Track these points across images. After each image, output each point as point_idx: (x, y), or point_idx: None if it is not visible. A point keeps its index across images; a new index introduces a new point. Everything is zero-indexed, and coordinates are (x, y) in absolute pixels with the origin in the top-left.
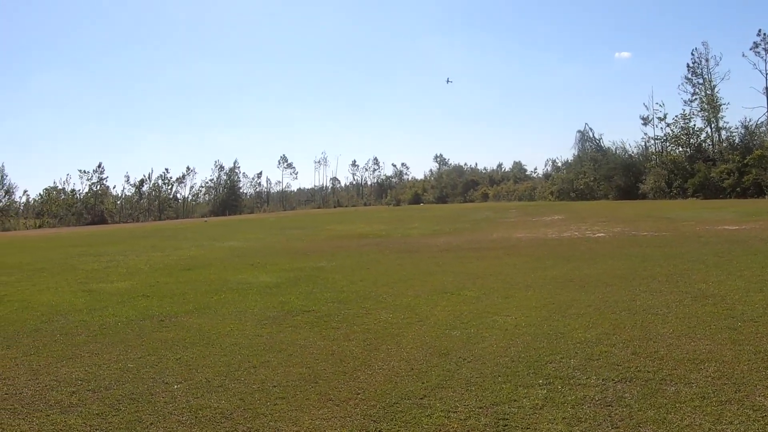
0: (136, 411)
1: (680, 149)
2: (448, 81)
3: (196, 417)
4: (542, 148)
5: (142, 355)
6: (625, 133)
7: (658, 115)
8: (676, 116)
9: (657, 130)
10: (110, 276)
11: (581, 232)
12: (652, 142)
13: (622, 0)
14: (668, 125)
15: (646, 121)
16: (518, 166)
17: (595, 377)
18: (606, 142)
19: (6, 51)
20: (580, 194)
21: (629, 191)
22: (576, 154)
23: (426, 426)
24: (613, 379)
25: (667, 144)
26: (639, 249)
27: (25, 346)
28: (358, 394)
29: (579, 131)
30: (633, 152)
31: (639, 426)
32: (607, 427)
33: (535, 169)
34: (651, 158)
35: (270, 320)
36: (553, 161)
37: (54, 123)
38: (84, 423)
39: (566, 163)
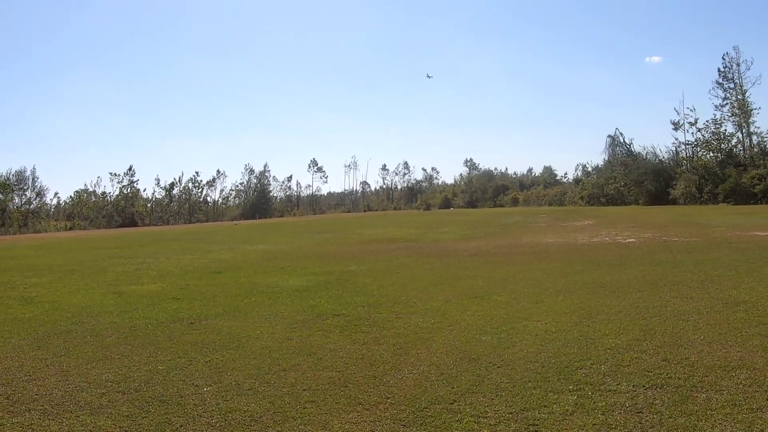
0: (166, 413)
1: (711, 154)
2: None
3: (225, 420)
4: (572, 152)
5: (172, 357)
6: (655, 138)
7: (688, 120)
8: (707, 121)
9: (688, 135)
10: (140, 278)
11: (611, 237)
12: (683, 147)
13: (653, 4)
14: (699, 130)
15: (676, 125)
16: (548, 171)
17: (625, 383)
18: (636, 147)
19: (39, 54)
20: (610, 199)
21: (660, 196)
22: (606, 158)
23: (455, 431)
24: (643, 386)
25: (698, 149)
26: (670, 255)
27: (55, 347)
28: (388, 398)
29: (609, 136)
30: (663, 157)
31: None
32: None
33: (566, 173)
34: (682, 163)
35: (300, 324)
36: (584, 166)
37: (85, 126)
38: (114, 424)
39: (596, 168)
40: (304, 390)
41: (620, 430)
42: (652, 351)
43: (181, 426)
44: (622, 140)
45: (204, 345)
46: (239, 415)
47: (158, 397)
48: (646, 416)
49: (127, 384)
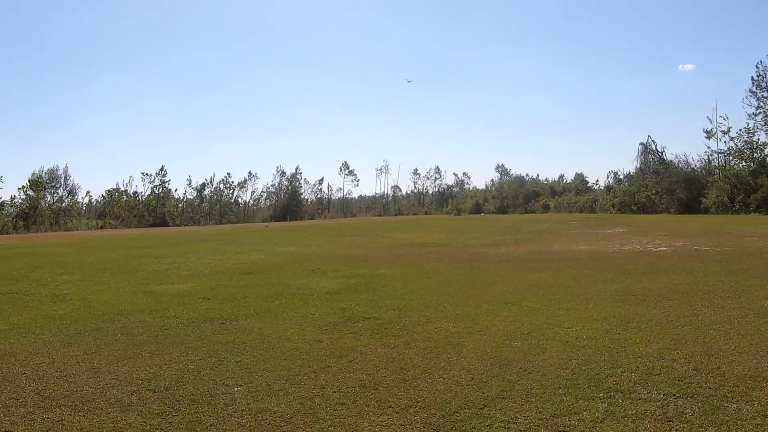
0: (196, 412)
1: (744, 163)
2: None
3: (255, 420)
4: (604, 159)
5: (203, 356)
6: (687, 146)
7: (721, 129)
8: (740, 130)
9: (720, 144)
10: (171, 278)
11: (642, 245)
12: (715, 155)
13: (687, 12)
14: (732, 139)
15: (709, 134)
16: (580, 178)
17: (656, 392)
18: (669, 155)
19: (72, 54)
20: (641, 207)
21: (691, 205)
22: (638, 166)
23: None
24: (674, 395)
25: (731, 158)
26: (701, 264)
27: (86, 344)
28: (418, 402)
29: (641, 143)
30: (695, 166)
31: None
32: None
33: (597, 181)
34: (714, 172)
35: (331, 326)
36: (615, 173)
37: (117, 126)
38: (144, 422)
39: (628, 176)
40: (335, 392)
41: None
42: (683, 360)
43: (211, 425)
44: (654, 148)
45: (234, 345)
46: (269, 416)
47: (188, 396)
48: (677, 425)
49: (157, 382)
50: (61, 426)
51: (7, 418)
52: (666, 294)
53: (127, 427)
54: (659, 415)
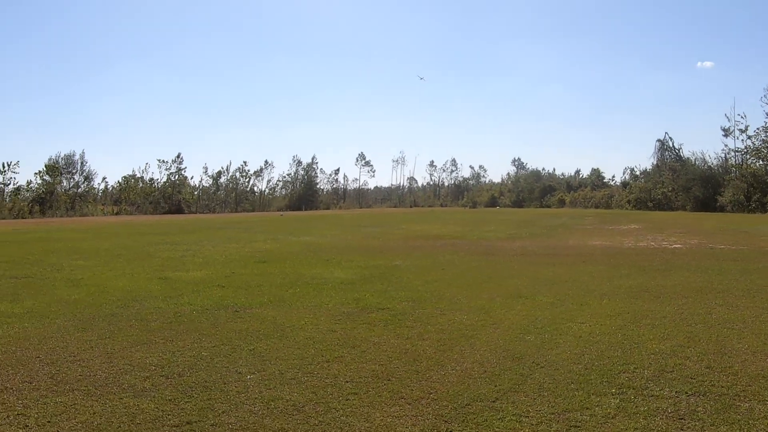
0: (209, 399)
1: (761, 162)
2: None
3: (268, 408)
4: (621, 155)
5: (216, 344)
6: (705, 143)
7: (739, 127)
8: (758, 128)
9: (737, 142)
10: (186, 265)
11: (658, 242)
12: (733, 154)
13: (707, 9)
14: (749, 137)
15: (726, 132)
16: (596, 173)
17: (668, 389)
18: (686, 152)
19: (91, 40)
20: (657, 204)
21: (707, 203)
22: (655, 163)
23: (497, 429)
24: (686, 392)
25: (748, 156)
26: (716, 262)
27: (100, 329)
28: (431, 393)
29: (659, 140)
30: (712, 164)
31: None
32: None
33: (613, 176)
34: (730, 170)
35: (344, 316)
36: (632, 169)
37: (135, 112)
38: (156, 408)
39: (645, 172)
40: (347, 382)
41: None
42: (696, 358)
43: (223, 412)
44: (671, 145)
45: (248, 333)
46: (282, 404)
47: (201, 383)
48: (688, 423)
49: (170, 368)
50: (73, 410)
51: (20, 402)
52: (680, 291)
53: (140, 412)
54: (671, 412)
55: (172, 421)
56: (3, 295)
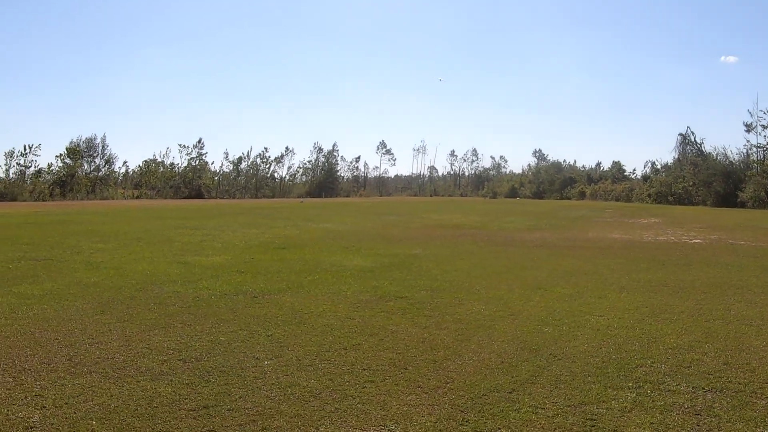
0: (226, 384)
1: None
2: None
3: (284, 394)
4: (642, 148)
5: (234, 329)
6: (727, 139)
7: (761, 123)
8: None
9: (760, 138)
10: (205, 250)
11: (677, 237)
12: (755, 149)
13: (731, 3)
14: None
15: (749, 128)
16: (617, 166)
17: (685, 384)
18: (707, 147)
19: (114, 24)
20: (678, 198)
21: (728, 199)
22: (676, 157)
23: (513, 420)
24: (703, 388)
25: None
26: (736, 258)
27: (119, 312)
28: (447, 383)
29: (680, 134)
30: (734, 159)
31: None
32: None
33: (634, 170)
34: (752, 166)
35: (363, 304)
36: (653, 163)
37: (156, 96)
38: (173, 391)
39: (666, 166)
40: (364, 369)
41: (677, 430)
42: (714, 354)
43: (240, 397)
44: (693, 139)
45: (266, 319)
46: (298, 390)
47: (218, 368)
48: (704, 419)
49: (188, 352)
50: (91, 392)
51: (38, 383)
52: (699, 287)
53: (157, 395)
54: (688, 407)
55: (188, 405)
56: (23, 276)
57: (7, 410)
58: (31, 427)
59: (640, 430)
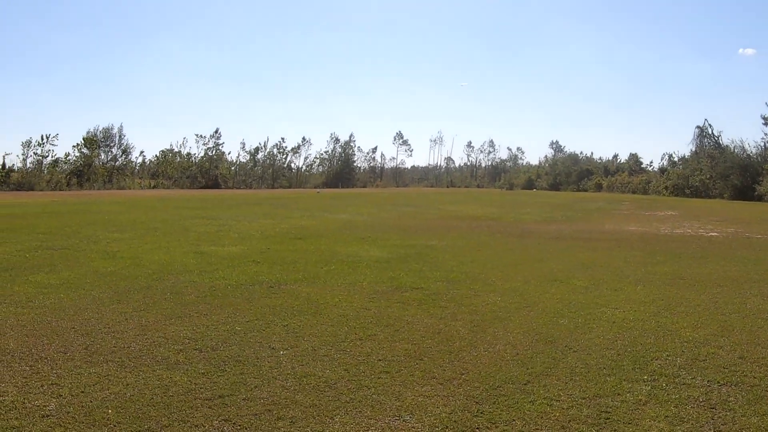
0: (242, 373)
1: None
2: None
3: (300, 384)
4: (659, 141)
5: (250, 319)
6: (745, 131)
7: None
8: None
9: None
10: (222, 240)
11: (694, 229)
12: None
13: None
14: None
15: (767, 120)
16: (634, 158)
17: (700, 378)
18: (725, 140)
19: (131, 14)
20: (695, 191)
21: (745, 192)
22: (693, 149)
23: (528, 412)
24: (718, 382)
25: None
26: (752, 252)
27: (135, 301)
28: (463, 374)
29: (698, 127)
30: (751, 152)
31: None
32: (709, 429)
33: (651, 162)
34: None
35: (378, 295)
36: (670, 156)
37: (173, 87)
38: (189, 381)
39: (683, 159)
40: (380, 360)
41: (692, 424)
42: (729, 347)
43: (255, 387)
44: (710, 132)
45: (282, 309)
46: (314, 380)
47: (234, 357)
48: (719, 413)
49: (204, 342)
50: (107, 381)
51: (55, 371)
52: (715, 280)
53: (173, 384)
54: (702, 401)
55: (204, 395)
56: (40, 265)
57: (24, 398)
58: (48, 415)
59: (654, 423)
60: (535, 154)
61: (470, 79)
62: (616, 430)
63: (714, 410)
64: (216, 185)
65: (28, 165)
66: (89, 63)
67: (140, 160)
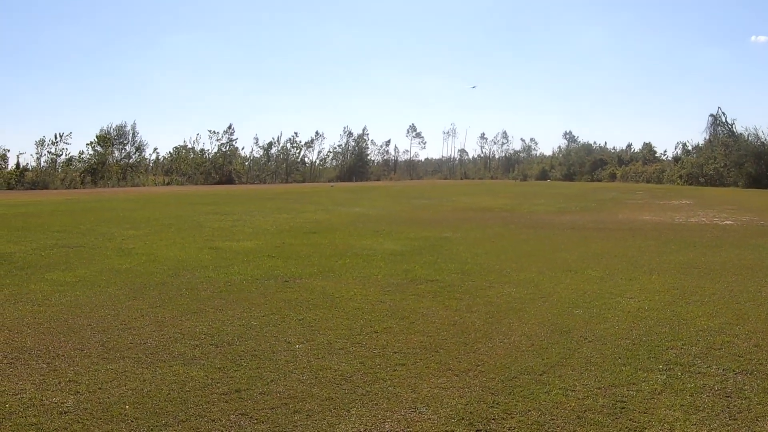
0: (258, 367)
1: None
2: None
3: (316, 377)
4: (673, 130)
5: (266, 313)
6: (758, 119)
7: None
8: None
9: None
10: (236, 235)
11: (709, 218)
12: None
13: None
14: None
15: None
16: (648, 148)
17: (715, 367)
18: (739, 128)
19: (143, 10)
20: (709, 180)
21: (760, 180)
22: (707, 138)
23: (544, 402)
24: (733, 370)
25: None
26: (767, 240)
27: (151, 298)
28: (478, 365)
29: (711, 115)
30: (766, 140)
31: (757, 420)
32: (725, 418)
33: (665, 151)
34: None
35: (393, 287)
36: (684, 144)
37: (186, 83)
38: (206, 375)
39: (697, 147)
40: (395, 352)
41: (708, 413)
42: (744, 336)
43: (272, 381)
44: (724, 120)
45: (297, 303)
46: (330, 374)
47: (250, 352)
48: (735, 401)
49: (220, 337)
50: (124, 377)
51: (72, 368)
52: (730, 268)
53: (189, 380)
54: (718, 389)
55: (221, 389)
56: (55, 263)
57: (42, 395)
58: (66, 412)
59: (670, 412)
60: (548, 144)
61: (483, 70)
62: (632, 419)
63: (729, 399)
64: (230, 181)
65: (42, 164)
66: (102, 61)
67: (154, 156)
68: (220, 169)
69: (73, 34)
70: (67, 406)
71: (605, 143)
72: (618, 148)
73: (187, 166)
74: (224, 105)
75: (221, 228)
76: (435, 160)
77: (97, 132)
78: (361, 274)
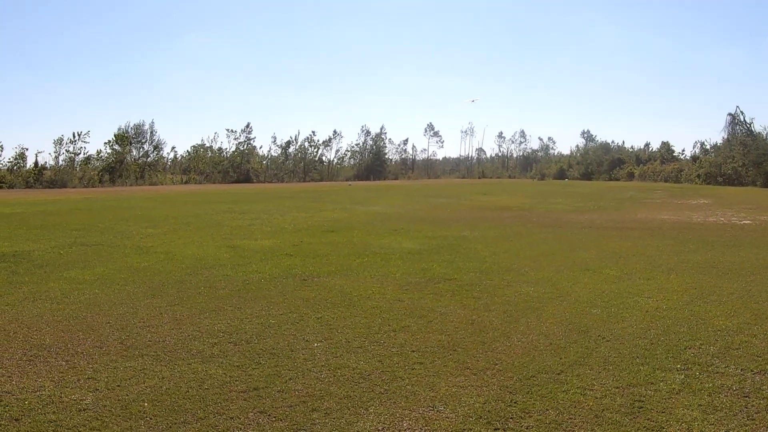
0: (276, 365)
1: None
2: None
3: (334, 375)
4: (691, 129)
5: (284, 312)
6: None
7: None
8: None
9: None
10: (254, 233)
11: (727, 218)
12: None
13: None
14: None
15: None
16: (666, 147)
17: (733, 366)
18: (757, 127)
19: (161, 10)
20: (727, 179)
21: None
22: (725, 137)
23: (561, 401)
24: (751, 370)
25: None
26: None
27: (169, 296)
28: (496, 364)
29: (729, 114)
30: None
31: None
32: (743, 418)
33: (683, 150)
34: None
35: (411, 286)
36: (702, 143)
37: (204, 82)
38: (224, 373)
39: (715, 147)
40: (413, 351)
41: (725, 413)
42: (763, 336)
43: (290, 379)
44: (742, 119)
45: (316, 302)
46: (348, 372)
47: (269, 350)
48: (753, 401)
49: (238, 335)
50: (143, 374)
51: (91, 366)
52: (748, 268)
53: (208, 378)
54: (736, 389)
55: (239, 387)
56: (74, 261)
57: (61, 393)
58: (84, 409)
59: (688, 412)
60: (566, 143)
61: (501, 70)
62: (650, 419)
63: (747, 399)
64: (248, 179)
65: (61, 162)
66: (120, 60)
67: (172, 155)
68: (238, 167)
69: (91, 34)
70: (85, 404)
71: (623, 142)
72: (636, 147)
73: (204, 165)
74: (242, 104)
75: (239, 226)
76: (453, 159)
77: (115, 131)
78: (379, 272)
